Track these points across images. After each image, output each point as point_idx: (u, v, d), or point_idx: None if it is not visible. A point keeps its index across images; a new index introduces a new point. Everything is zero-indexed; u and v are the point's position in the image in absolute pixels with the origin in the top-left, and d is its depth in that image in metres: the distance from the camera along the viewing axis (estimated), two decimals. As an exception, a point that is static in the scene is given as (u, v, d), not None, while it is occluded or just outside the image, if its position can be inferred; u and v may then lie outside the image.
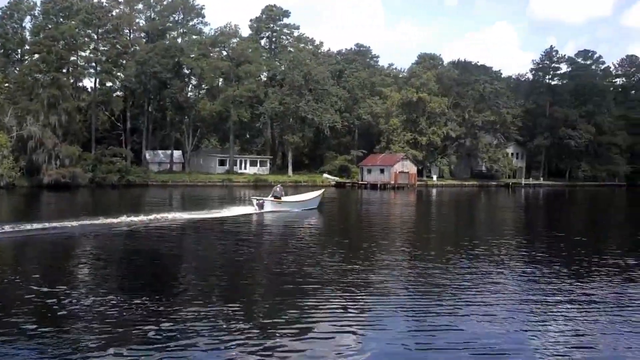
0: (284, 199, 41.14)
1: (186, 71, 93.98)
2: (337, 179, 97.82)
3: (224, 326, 11.41)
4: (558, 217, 46.03)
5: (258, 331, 11.14)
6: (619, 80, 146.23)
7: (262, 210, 38.80)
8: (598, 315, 12.55)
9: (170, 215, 33.68)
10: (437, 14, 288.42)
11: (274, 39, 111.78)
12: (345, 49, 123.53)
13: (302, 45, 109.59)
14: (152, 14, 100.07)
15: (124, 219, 29.88)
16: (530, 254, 21.78)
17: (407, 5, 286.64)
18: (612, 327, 11.60)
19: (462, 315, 12.39)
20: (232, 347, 10.29)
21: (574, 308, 13.03)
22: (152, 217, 32.00)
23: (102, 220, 28.51)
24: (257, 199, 40.22)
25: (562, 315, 12.42)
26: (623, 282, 16.37)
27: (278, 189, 41.74)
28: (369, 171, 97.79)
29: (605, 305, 13.40)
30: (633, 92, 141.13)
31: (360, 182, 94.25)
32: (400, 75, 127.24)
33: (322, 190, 49.81)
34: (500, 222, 39.83)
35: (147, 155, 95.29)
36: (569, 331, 11.28)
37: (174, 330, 11.15)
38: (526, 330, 11.41)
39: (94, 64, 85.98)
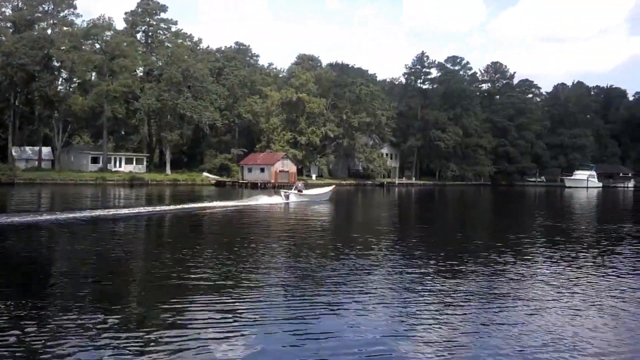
0: (304, 192, 53.23)
1: (56, 64, 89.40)
2: (217, 177, 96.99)
3: (94, 332, 10.48)
4: (429, 215, 48.37)
5: (128, 337, 10.40)
6: (484, 86, 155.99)
7: (287, 201, 49.90)
8: (470, 311, 12.83)
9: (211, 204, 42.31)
10: (318, 15, 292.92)
11: (150, 34, 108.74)
12: (225, 46, 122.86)
13: (180, 41, 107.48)
14: (20, 3, 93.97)
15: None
16: (406, 251, 22.34)
17: (288, 6, 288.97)
18: (482, 324, 11.80)
19: (340, 314, 12.20)
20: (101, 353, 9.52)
21: (447, 305, 13.32)
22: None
23: None
24: (285, 192, 52.16)
25: (437, 312, 12.60)
26: (493, 276, 17.03)
27: (300, 184, 56.02)
28: (250, 170, 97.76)
29: (477, 301, 13.86)
30: (497, 97, 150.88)
31: (240, 181, 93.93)
32: (280, 75, 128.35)
33: (333, 186, 61.37)
34: (376, 219, 41.11)
35: (14, 151, 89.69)
36: (443, 329, 11.43)
37: (40, 337, 10.14)
38: (401, 326, 11.49)
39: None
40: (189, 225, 32.44)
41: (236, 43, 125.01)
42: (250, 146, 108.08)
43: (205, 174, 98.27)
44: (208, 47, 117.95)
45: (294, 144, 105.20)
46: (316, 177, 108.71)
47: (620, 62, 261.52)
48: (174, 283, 14.95)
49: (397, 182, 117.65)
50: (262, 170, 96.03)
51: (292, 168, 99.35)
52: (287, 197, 50.50)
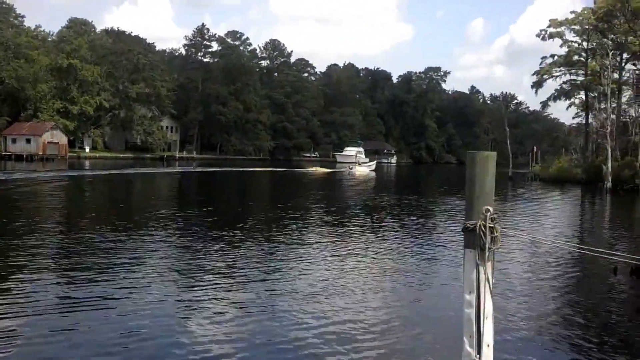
0: (357, 167, 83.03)
1: None
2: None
3: None
4: (212, 189, 48.54)
5: None
6: (264, 62, 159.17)
7: (348, 172, 76.67)
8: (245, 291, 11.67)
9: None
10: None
11: None
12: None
13: None
14: None
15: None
16: (181, 227, 20.58)
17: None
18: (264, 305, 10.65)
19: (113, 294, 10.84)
20: None
21: (223, 282, 12.31)
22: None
23: None
24: (349, 166, 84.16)
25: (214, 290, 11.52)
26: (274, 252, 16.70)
27: (355, 163, 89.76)
28: (14, 141, 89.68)
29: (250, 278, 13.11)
30: (276, 74, 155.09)
31: (3, 153, 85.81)
32: (50, 39, 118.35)
33: (375, 161, 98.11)
34: (157, 193, 40.50)
35: None
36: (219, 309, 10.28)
37: None
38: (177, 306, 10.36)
39: None
40: None
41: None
42: (15, 115, 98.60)
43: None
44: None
45: (65, 114, 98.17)
46: (90, 149, 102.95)
47: (387, 47, 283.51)
48: None
49: (177, 155, 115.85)
50: (29, 141, 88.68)
51: (62, 139, 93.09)
52: (348, 169, 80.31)
